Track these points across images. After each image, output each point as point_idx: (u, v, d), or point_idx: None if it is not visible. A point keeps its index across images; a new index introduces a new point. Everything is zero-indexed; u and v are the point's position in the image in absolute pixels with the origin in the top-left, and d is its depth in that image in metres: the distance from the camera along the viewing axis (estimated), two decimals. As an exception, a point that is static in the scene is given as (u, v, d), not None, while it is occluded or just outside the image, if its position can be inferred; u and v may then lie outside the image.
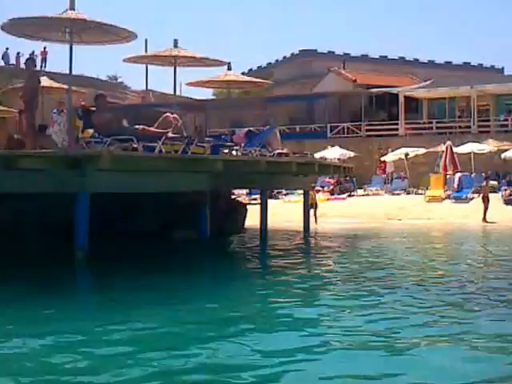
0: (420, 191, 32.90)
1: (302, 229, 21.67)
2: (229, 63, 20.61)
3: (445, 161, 31.97)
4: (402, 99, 40.78)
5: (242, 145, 17.96)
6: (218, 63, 19.24)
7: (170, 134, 13.84)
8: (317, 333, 7.67)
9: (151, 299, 9.52)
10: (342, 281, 11.59)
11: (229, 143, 17.10)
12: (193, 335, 7.45)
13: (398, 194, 33.21)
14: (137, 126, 14.07)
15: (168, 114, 15.25)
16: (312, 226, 22.83)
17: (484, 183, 28.45)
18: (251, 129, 19.37)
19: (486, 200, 26.48)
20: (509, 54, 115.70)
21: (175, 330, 7.68)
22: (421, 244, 19.60)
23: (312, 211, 24.64)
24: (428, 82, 43.53)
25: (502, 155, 32.53)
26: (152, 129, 14.23)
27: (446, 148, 32.13)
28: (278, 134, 20.21)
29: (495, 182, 33.23)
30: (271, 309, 9.25)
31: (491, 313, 8.60)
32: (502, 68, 71.64)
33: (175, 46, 18.20)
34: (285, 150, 19.74)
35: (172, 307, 9.02)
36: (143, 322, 7.98)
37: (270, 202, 30.20)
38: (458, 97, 42.77)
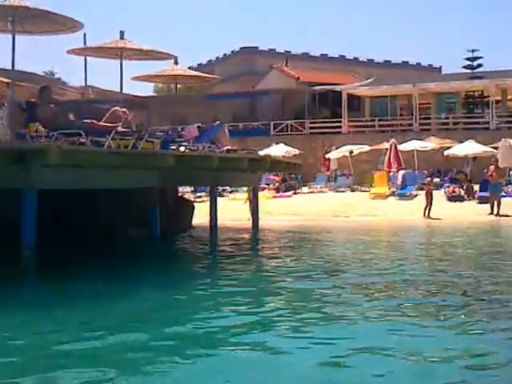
0: (364, 188, 32.99)
1: (248, 226, 21.47)
2: (176, 57, 20.17)
3: (389, 158, 32.12)
4: (345, 97, 40.90)
5: (191, 141, 17.57)
6: (165, 56, 18.74)
7: (120, 129, 13.32)
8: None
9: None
10: (293, 279, 11.36)
11: (179, 139, 16.66)
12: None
13: (343, 192, 33.23)
14: (85, 120, 13.50)
15: (117, 107, 14.73)
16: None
17: (428, 180, 28.60)
18: (200, 124, 18.94)
19: (429, 196, 26.63)
20: (445, 53, 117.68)
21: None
22: (369, 240, 19.56)
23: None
24: (370, 80, 43.75)
25: (445, 152, 32.83)
26: (101, 123, 13.70)
27: (391, 145, 32.27)
28: (227, 131, 19.89)
29: (437, 179, 33.60)
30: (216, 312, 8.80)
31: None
32: (440, 67, 72.80)
33: (121, 37, 17.62)
34: (234, 147, 19.44)
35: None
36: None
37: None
38: (400, 95, 43.15)
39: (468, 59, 42.78)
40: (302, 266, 12.81)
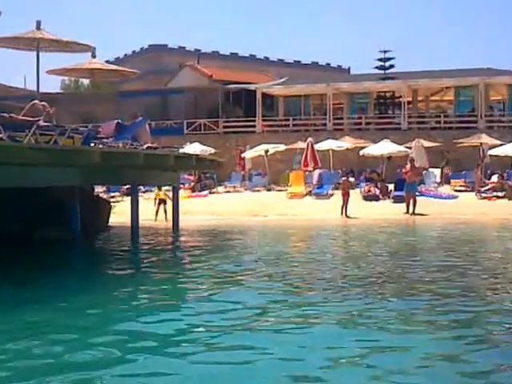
0: (280, 188, 32.92)
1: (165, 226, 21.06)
2: (94, 49, 19.39)
3: (305, 157, 32.15)
4: (259, 96, 40.76)
5: (109, 138, 16.92)
6: (85, 48, 18.01)
7: (42, 123, 12.60)
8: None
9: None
10: (212, 278, 11.32)
11: (100, 135, 15.99)
12: None
13: (259, 191, 33.07)
14: (3, 114, 12.71)
15: (36, 101, 13.99)
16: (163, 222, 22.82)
17: (343, 179, 28.74)
18: (119, 121, 18.28)
19: (346, 196, 26.75)
20: (354, 54, 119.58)
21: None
22: (288, 238, 19.77)
23: (162, 207, 25.49)
24: (284, 80, 43.79)
25: (361, 152, 33.10)
26: (20, 117, 12.94)
27: (308, 145, 32.32)
28: (148, 127, 19.34)
29: (352, 179, 33.87)
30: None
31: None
32: (349, 68, 73.80)
33: (38, 28, 16.78)
34: (155, 144, 18.92)
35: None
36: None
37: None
38: (313, 95, 43.37)
39: (380, 60, 43.32)
40: (228, 267, 12.53)
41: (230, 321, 7.78)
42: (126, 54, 68.50)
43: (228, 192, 33.38)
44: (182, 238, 19.69)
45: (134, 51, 67.61)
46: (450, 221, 24.38)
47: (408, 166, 27.59)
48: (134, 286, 10.61)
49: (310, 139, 32.66)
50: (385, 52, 43.45)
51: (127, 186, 32.18)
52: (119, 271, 12.59)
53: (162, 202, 25.70)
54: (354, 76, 45.05)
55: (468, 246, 16.61)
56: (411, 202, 26.62)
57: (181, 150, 31.36)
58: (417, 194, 27.55)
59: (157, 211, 25.63)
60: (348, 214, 26.39)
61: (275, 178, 34.47)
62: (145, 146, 17.26)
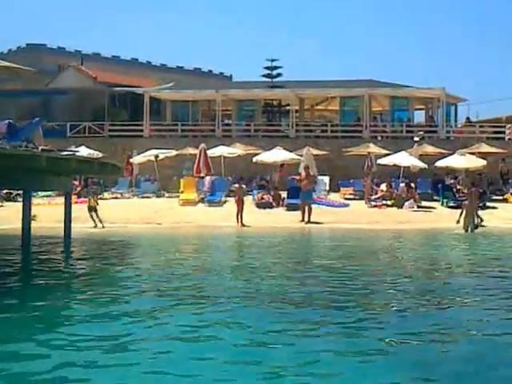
0: (170, 194, 31.91)
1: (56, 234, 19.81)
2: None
3: (198, 163, 31.27)
4: (147, 100, 39.47)
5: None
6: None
7: None
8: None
9: None
10: (97, 288, 10.89)
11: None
12: None
13: (148, 197, 31.89)
14: None
15: None
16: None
17: (236, 186, 28.08)
18: (11, 121, 16.79)
19: (240, 203, 26.07)
20: (236, 62, 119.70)
21: None
22: (182, 248, 18.99)
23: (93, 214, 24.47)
24: (171, 84, 42.81)
25: (254, 159, 32.50)
26: None
27: (200, 151, 31.47)
28: (41, 130, 17.93)
29: (244, 186, 33.30)
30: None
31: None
32: (231, 75, 73.61)
33: None
34: (48, 147, 17.51)
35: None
36: None
37: (12, 204, 27.62)
38: (201, 100, 42.60)
39: (267, 68, 43.16)
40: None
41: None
42: (1, 52, 65.39)
43: (116, 198, 31.96)
44: (72, 247, 18.41)
45: (10, 50, 64.63)
46: (345, 229, 24.20)
47: (303, 174, 27.26)
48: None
49: (202, 145, 31.80)
50: (272, 61, 43.36)
51: (6, 191, 30.36)
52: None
53: (93, 209, 24.54)
54: (242, 83, 44.57)
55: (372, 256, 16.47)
56: (306, 210, 26.25)
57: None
58: (312, 202, 27.20)
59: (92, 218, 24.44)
60: (243, 221, 25.71)
61: (164, 184, 33.40)
62: (40, 148, 15.90)
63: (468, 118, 42.76)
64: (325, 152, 35.69)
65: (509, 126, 37.71)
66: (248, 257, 16.64)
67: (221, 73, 74.61)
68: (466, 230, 22.44)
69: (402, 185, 30.14)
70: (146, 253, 17.42)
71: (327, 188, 33.09)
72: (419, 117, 44.54)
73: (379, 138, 38.47)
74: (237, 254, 18.12)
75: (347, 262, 14.96)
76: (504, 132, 37.76)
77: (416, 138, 36.18)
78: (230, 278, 12.66)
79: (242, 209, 26.02)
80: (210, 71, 74.08)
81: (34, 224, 18.08)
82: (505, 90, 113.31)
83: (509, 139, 37.16)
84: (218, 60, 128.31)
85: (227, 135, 39.31)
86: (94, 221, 24.37)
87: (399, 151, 32.49)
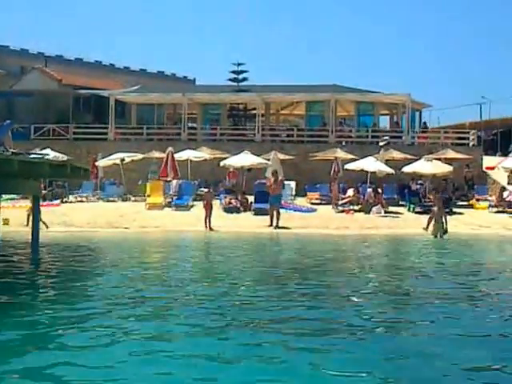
0: (136, 198, 31.47)
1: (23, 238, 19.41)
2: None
3: (165, 167, 30.86)
4: (112, 102, 38.93)
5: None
6: None
7: None
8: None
9: None
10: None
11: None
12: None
13: (114, 201, 31.38)
14: None
15: None
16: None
17: (205, 190, 27.80)
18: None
19: (209, 207, 25.76)
20: (199, 65, 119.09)
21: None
22: (150, 254, 18.89)
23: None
24: (137, 87, 42.35)
25: (221, 163, 32.18)
26: None
27: (167, 154, 31.06)
28: (10, 132, 17.43)
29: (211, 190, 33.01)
30: None
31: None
32: (194, 79, 73.27)
33: None
34: (17, 150, 17.03)
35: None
36: None
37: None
38: (166, 104, 42.20)
39: (233, 72, 42.93)
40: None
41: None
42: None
43: (81, 202, 31.42)
44: (39, 252, 17.91)
45: (-30, 51, 63.40)
46: (314, 234, 24.07)
47: (272, 179, 27.04)
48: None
49: (170, 149, 31.39)
50: (238, 65, 43.14)
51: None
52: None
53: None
54: (207, 87, 44.23)
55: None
56: (275, 214, 26.02)
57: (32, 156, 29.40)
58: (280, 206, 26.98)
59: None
60: (211, 226, 25.40)
61: (129, 188, 32.94)
62: (10, 151, 15.44)
63: (424, 123, 42.91)
64: (291, 156, 35.58)
65: (473, 132, 38.04)
66: (215, 265, 16.30)
67: (184, 76, 74.19)
68: (435, 236, 22.46)
69: (369, 190, 30.10)
70: (111, 261, 16.81)
71: (293, 193, 32.96)
72: (384, 122, 44.77)
73: (344, 143, 38.43)
74: (206, 260, 17.75)
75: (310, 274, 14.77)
76: (468, 138, 38.08)
77: (381, 143, 36.24)
78: (194, 286, 12.38)
79: (211, 213, 25.71)
80: (174, 74, 73.59)
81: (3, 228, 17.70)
82: (466, 97, 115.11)
83: (473, 145, 37.48)
84: (181, 63, 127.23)
85: (193, 139, 38.98)
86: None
87: (366, 156, 32.50)
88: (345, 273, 14.60)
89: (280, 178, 29.02)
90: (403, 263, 16.93)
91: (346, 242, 22.72)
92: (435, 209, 23.56)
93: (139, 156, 33.78)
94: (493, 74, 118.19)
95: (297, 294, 11.40)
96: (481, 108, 62.08)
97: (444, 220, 23.10)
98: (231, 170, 32.96)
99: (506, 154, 39.73)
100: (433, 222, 22.92)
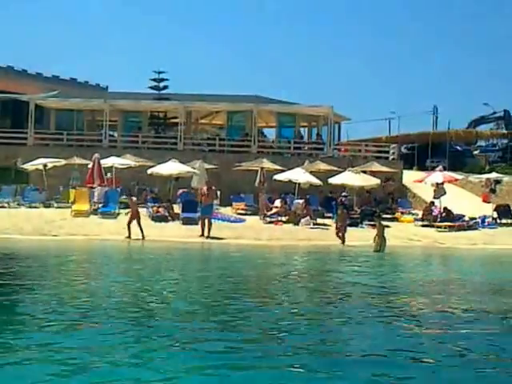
0: (58, 204, 29.80)
1: None
2: None
3: (91, 174, 29.31)
4: (32, 107, 36.99)
5: None
6: None
7: None
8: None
9: None
10: None
11: None
12: None
13: (36, 207, 29.57)
14: None
15: None
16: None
17: (131, 198, 26.57)
18: None
19: (136, 215, 24.54)
20: (111, 72, 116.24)
21: None
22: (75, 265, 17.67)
23: None
24: (56, 92, 40.50)
25: (149, 171, 30.85)
26: None
27: (94, 161, 29.54)
28: None
29: (134, 198, 31.68)
30: None
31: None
32: (107, 87, 71.20)
33: None
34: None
35: None
36: None
37: None
38: (86, 110, 40.54)
39: (154, 80, 41.63)
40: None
41: None
42: None
43: (2, 207, 29.42)
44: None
45: None
46: (249, 245, 23.35)
47: (205, 188, 26.10)
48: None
49: (96, 155, 29.88)
50: (159, 73, 41.91)
51: None
52: None
53: None
54: (127, 94, 42.64)
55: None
56: (206, 224, 25.05)
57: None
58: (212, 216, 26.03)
59: None
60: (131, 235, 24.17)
61: (50, 194, 31.21)
62: None
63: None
64: (213, 166, 34.65)
65: (393, 145, 38.18)
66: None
67: (97, 84, 71.99)
68: (377, 251, 22.07)
69: (297, 201, 29.55)
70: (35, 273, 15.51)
71: (218, 202, 32.01)
72: (305, 134, 44.34)
73: (266, 153, 37.75)
74: (134, 269, 16.66)
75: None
76: (388, 151, 38.19)
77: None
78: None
79: (139, 222, 24.48)
80: (86, 82, 71.22)
81: None
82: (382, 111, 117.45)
83: (393, 159, 37.59)
84: (93, 70, 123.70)
85: (113, 146, 37.52)
86: None
87: (291, 168, 31.93)
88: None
89: (200, 186, 28.23)
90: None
91: (291, 254, 22.01)
92: (377, 224, 23.42)
93: (62, 162, 32.09)
94: (404, 92, 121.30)
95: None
96: (390, 123, 63.31)
97: (343, 234, 23.24)
98: (176, 178, 31.61)
99: (422, 169, 40.25)
100: (375, 236, 22.60)
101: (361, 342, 8.80)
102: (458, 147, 49.33)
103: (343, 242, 24.14)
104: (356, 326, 9.88)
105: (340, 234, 24.42)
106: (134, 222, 24.27)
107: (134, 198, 27.23)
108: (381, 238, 22.26)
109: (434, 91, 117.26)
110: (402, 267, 19.37)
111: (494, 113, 57.34)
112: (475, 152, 51.64)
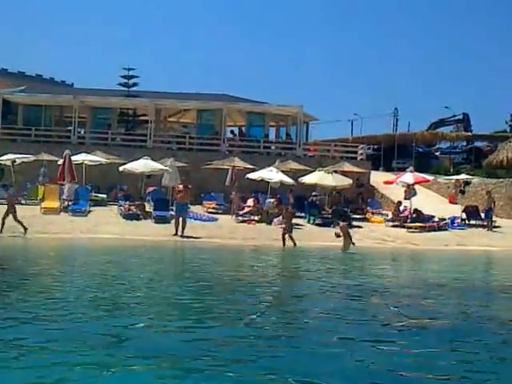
0: (26, 201, 28.44)
1: None
2: None
3: (62, 170, 28.04)
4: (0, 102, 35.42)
5: None
6: None
7: None
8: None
9: None
10: None
11: None
12: None
13: (2, 204, 28.08)
14: None
15: None
16: None
17: (8, 192, 24.96)
18: None
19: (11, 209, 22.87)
20: (76, 69, 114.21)
21: None
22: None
23: None
24: (23, 87, 38.99)
25: (121, 168, 29.58)
26: None
27: (65, 157, 28.32)
28: None
29: (104, 196, 30.57)
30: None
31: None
32: (72, 83, 69.80)
33: None
34: None
35: None
36: None
37: None
38: (54, 106, 39.07)
39: (124, 77, 40.43)
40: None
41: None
42: None
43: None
44: None
45: None
46: (226, 245, 22.39)
47: (180, 186, 25.06)
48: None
49: (67, 151, 28.66)
50: (129, 70, 40.74)
51: None
52: None
53: None
54: (96, 91, 41.26)
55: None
56: (180, 223, 24.03)
57: None
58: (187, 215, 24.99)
59: None
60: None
61: (18, 190, 29.75)
62: None
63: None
64: (183, 164, 33.58)
65: (361, 146, 37.54)
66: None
67: (62, 81, 70.64)
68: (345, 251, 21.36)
69: (269, 200, 28.69)
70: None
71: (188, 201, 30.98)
72: (275, 133, 43.44)
73: (235, 152, 36.82)
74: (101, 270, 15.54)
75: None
76: (356, 152, 37.54)
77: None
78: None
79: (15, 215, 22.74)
80: (52, 78, 69.88)
81: None
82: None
83: (361, 159, 36.95)
84: (59, 68, 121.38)
85: (82, 142, 36.20)
86: None
87: (262, 167, 31.00)
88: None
89: (173, 184, 27.26)
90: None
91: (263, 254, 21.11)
92: (341, 224, 22.64)
93: (31, 158, 30.71)
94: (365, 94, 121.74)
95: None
96: (352, 124, 62.96)
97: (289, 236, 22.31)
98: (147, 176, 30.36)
99: (388, 170, 39.74)
100: (342, 238, 21.79)
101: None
102: (420, 149, 48.99)
103: (293, 242, 22.68)
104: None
105: (286, 236, 22.65)
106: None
107: (11, 191, 25.32)
108: (347, 238, 21.45)
109: (395, 94, 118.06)
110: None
111: (454, 116, 57.23)
112: (436, 154, 51.38)
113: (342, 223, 22.89)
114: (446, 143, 54.23)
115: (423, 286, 14.36)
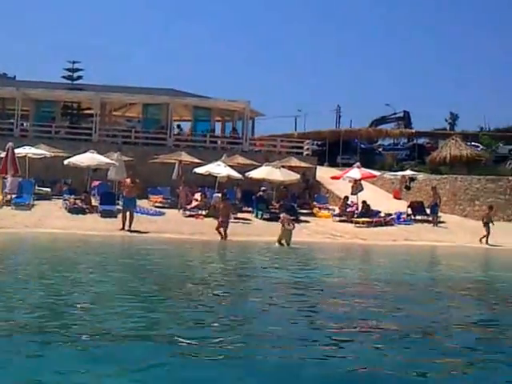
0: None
1: None
2: None
3: (5, 163, 26.92)
4: None
5: None
6: None
7: None
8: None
9: None
10: None
11: None
12: None
13: None
14: None
15: None
16: None
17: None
18: None
19: None
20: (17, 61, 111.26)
21: None
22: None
23: None
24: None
25: (66, 161, 28.56)
26: None
27: (7, 149, 27.17)
28: None
29: (48, 189, 29.57)
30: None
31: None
32: (14, 76, 67.67)
33: None
34: None
35: None
36: None
37: None
38: (-2, 98, 37.74)
39: (68, 70, 39.31)
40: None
41: None
42: None
43: None
44: None
45: None
46: (175, 240, 21.76)
47: (128, 181, 24.28)
48: None
49: (10, 144, 27.56)
50: (73, 63, 39.62)
51: None
52: None
53: None
54: (39, 83, 39.94)
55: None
56: (128, 217, 23.29)
57: None
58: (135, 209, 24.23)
59: None
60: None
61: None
62: None
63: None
64: (128, 158, 32.72)
65: (307, 141, 37.29)
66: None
67: (4, 73, 68.34)
68: (281, 244, 21.11)
69: (217, 195, 28.13)
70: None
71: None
72: (226, 128, 42.71)
73: (181, 147, 36.13)
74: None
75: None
76: (302, 147, 37.28)
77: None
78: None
79: None
80: (-7, 71, 67.51)
81: None
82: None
83: (307, 155, 36.69)
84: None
85: (25, 135, 34.98)
86: None
87: (209, 161, 30.43)
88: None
89: (119, 178, 26.50)
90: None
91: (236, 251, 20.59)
92: (282, 215, 22.36)
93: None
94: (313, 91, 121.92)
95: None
96: (296, 120, 62.83)
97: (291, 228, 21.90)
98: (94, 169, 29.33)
99: (333, 165, 39.59)
100: (280, 230, 21.52)
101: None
102: (362, 145, 49.08)
103: (225, 237, 22.29)
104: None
105: (221, 229, 22.45)
106: None
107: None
108: (286, 231, 21.24)
109: (337, 92, 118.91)
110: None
111: (395, 113, 57.60)
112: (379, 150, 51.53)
113: (282, 215, 22.61)
114: (388, 140, 54.49)
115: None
